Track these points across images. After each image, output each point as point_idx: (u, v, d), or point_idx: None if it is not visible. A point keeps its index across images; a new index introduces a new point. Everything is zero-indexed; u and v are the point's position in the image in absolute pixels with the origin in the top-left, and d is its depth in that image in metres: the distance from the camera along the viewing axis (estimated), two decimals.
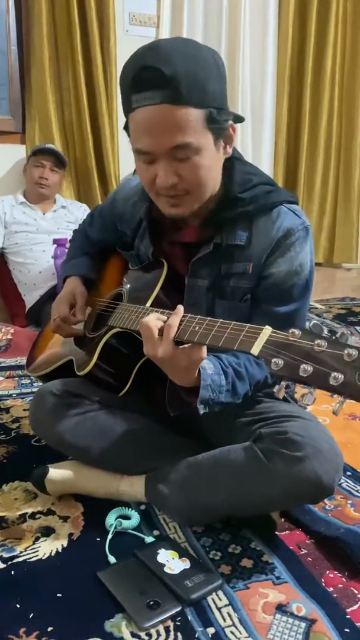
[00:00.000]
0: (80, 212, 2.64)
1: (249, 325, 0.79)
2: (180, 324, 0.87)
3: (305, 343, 0.70)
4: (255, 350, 0.75)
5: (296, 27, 3.08)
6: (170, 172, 0.94)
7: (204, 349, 0.89)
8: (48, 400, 1.17)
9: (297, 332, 0.71)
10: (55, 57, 2.63)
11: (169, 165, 0.93)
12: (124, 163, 2.83)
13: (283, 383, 0.73)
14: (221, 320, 0.83)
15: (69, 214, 2.61)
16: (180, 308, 0.89)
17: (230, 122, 0.98)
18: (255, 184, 1.05)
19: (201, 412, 0.96)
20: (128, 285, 1.19)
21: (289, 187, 3.23)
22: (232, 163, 1.05)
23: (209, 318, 0.85)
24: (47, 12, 2.54)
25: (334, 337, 0.68)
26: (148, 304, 1.05)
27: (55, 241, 2.35)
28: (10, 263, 2.52)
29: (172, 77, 0.86)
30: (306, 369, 0.68)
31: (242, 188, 1.04)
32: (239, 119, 1.02)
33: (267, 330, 0.75)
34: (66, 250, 2.27)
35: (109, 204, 1.30)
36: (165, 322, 0.89)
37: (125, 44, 2.75)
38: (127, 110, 0.95)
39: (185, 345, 0.88)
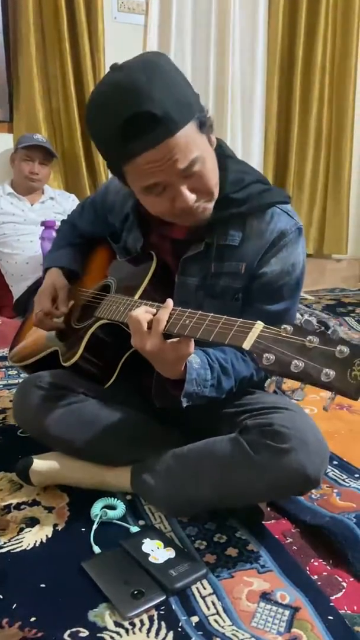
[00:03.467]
0: (68, 203, 2.61)
1: (240, 320, 0.78)
2: (170, 318, 0.87)
3: (297, 339, 0.70)
4: (247, 344, 0.74)
5: (286, 16, 3.06)
6: (189, 190, 0.93)
7: (192, 344, 0.89)
8: (32, 393, 1.16)
9: (289, 328, 0.71)
10: (42, 45, 2.60)
11: (184, 185, 0.92)
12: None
13: (274, 378, 0.72)
14: (212, 314, 0.82)
15: (57, 205, 2.58)
16: (170, 302, 0.89)
17: (205, 112, 0.96)
18: (248, 183, 1.04)
19: (184, 404, 0.96)
20: (115, 277, 1.18)
21: (279, 178, 3.22)
22: (225, 162, 1.04)
23: (200, 312, 0.84)
24: None
25: (326, 334, 0.68)
26: (136, 297, 1.04)
27: (43, 223, 2.32)
28: None
29: (164, 114, 0.85)
30: (297, 364, 0.68)
31: (236, 187, 1.03)
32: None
33: (259, 326, 0.75)
34: (54, 233, 2.25)
35: (101, 194, 1.28)
36: (154, 315, 0.88)
37: (114, 31, 2.72)
38: (125, 159, 0.91)
39: (174, 339, 0.87)
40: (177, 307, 0.89)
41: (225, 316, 0.80)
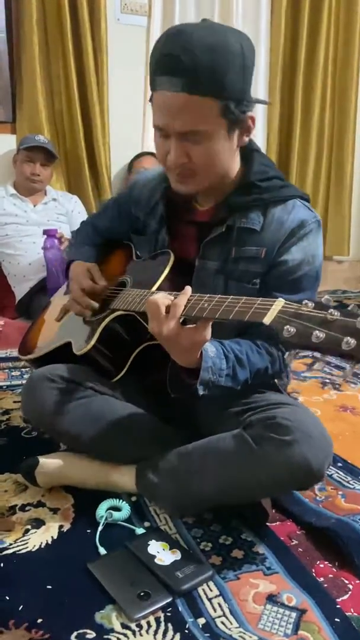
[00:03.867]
0: (71, 204, 2.61)
1: (261, 298, 0.79)
2: (188, 303, 0.88)
3: (318, 312, 0.71)
4: (268, 319, 0.75)
5: (289, 18, 3.06)
6: (180, 152, 0.98)
7: (209, 331, 0.90)
8: (41, 385, 1.16)
9: (310, 303, 0.72)
10: (45, 46, 2.60)
11: (180, 145, 0.98)
12: (116, 153, 2.81)
13: (294, 351, 0.74)
14: (231, 296, 0.84)
15: (59, 206, 2.58)
16: (188, 288, 0.91)
17: (250, 113, 1.00)
18: (271, 177, 1.09)
19: (200, 392, 0.96)
20: (132, 274, 1.20)
21: None
22: (252, 154, 1.10)
23: (219, 295, 0.86)
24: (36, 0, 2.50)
25: (346, 308, 0.70)
26: (154, 289, 1.05)
27: (45, 232, 2.32)
28: (0, 255, 2.49)
29: (191, 68, 0.90)
30: (318, 335, 0.69)
31: (260, 177, 1.08)
32: (262, 102, 1.08)
33: (280, 302, 0.76)
34: (56, 241, 2.25)
35: (127, 189, 1.33)
36: (172, 300, 0.90)
37: (117, 33, 2.72)
38: (152, 87, 0.99)
39: (191, 326, 0.88)
40: (196, 290, 0.91)
41: (245, 297, 0.82)
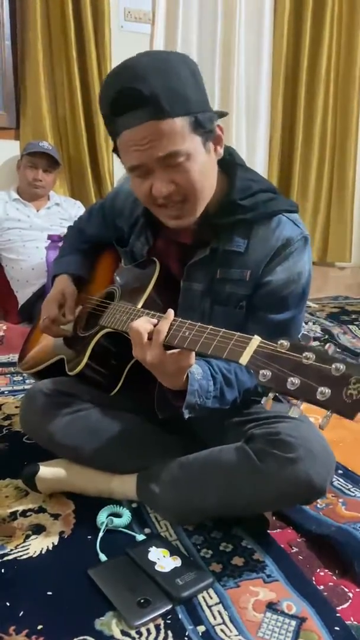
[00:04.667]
0: (74, 209, 2.63)
1: (238, 334, 0.78)
2: (170, 329, 0.87)
3: (293, 355, 0.69)
4: (244, 360, 0.74)
5: (291, 25, 3.08)
6: (166, 180, 0.94)
7: (193, 355, 0.89)
8: (38, 400, 1.16)
9: (285, 343, 0.71)
10: (49, 53, 2.62)
11: (163, 173, 0.93)
12: (119, 160, 2.82)
13: (271, 395, 0.72)
14: (211, 327, 0.82)
15: (62, 211, 2.60)
16: (171, 312, 0.89)
17: (217, 123, 0.98)
18: (255, 191, 1.04)
19: (186, 416, 0.96)
20: (120, 284, 1.19)
21: (283, 186, 3.24)
22: (234, 169, 1.05)
23: (199, 324, 0.84)
24: (41, 7, 2.53)
25: (322, 350, 0.68)
26: (139, 305, 1.04)
27: (49, 237, 2.34)
28: (3, 259, 2.51)
29: (151, 95, 0.87)
30: (294, 382, 0.68)
31: (243, 195, 1.03)
32: (222, 115, 1.02)
33: (256, 340, 0.75)
34: (59, 246, 2.26)
35: (110, 198, 1.29)
36: (155, 325, 0.88)
37: (121, 40, 2.74)
38: (114, 133, 0.95)
39: (175, 350, 0.87)
40: (183, 312, 0.89)
41: (223, 329, 0.81)
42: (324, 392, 0.65)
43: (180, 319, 0.87)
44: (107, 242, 1.32)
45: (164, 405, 1.01)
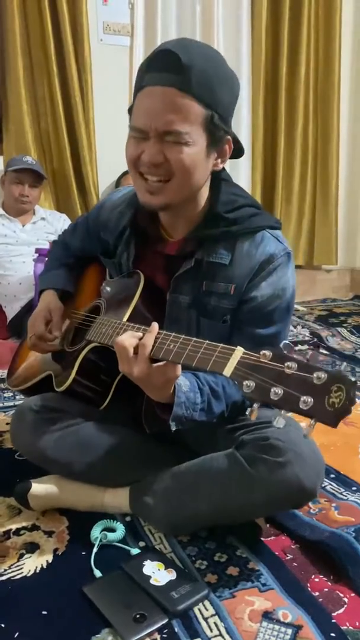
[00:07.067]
0: (60, 222, 2.63)
1: (221, 345, 0.79)
2: (155, 342, 0.87)
3: (276, 365, 0.70)
4: (228, 371, 0.75)
5: (269, 34, 3.12)
6: (157, 151, 0.95)
7: (179, 367, 0.89)
8: (28, 417, 1.16)
9: (268, 353, 0.71)
10: (30, 68, 2.64)
11: (158, 144, 0.95)
12: (103, 172, 2.83)
13: (255, 405, 0.72)
14: (195, 339, 0.83)
15: (48, 225, 2.60)
16: (155, 325, 0.89)
17: (228, 137, 1.00)
18: (240, 206, 1.06)
19: (173, 429, 0.96)
20: (105, 297, 1.19)
21: (267, 192, 3.26)
22: (219, 183, 1.07)
23: (183, 336, 0.85)
24: (20, 23, 2.55)
25: (303, 361, 0.68)
26: (125, 318, 1.04)
27: (37, 250, 2.34)
28: None
29: (186, 66, 0.90)
30: (277, 392, 0.68)
31: (227, 208, 1.05)
32: (239, 149, 1.05)
33: (239, 352, 0.76)
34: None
35: (95, 211, 1.30)
36: (140, 339, 0.89)
37: (100, 53, 2.76)
38: (138, 88, 0.97)
39: (160, 363, 0.87)
40: (170, 324, 0.89)
41: (207, 341, 0.81)
42: (306, 401, 0.66)
43: (165, 332, 0.88)
44: (92, 255, 1.32)
45: (152, 420, 1.01)
